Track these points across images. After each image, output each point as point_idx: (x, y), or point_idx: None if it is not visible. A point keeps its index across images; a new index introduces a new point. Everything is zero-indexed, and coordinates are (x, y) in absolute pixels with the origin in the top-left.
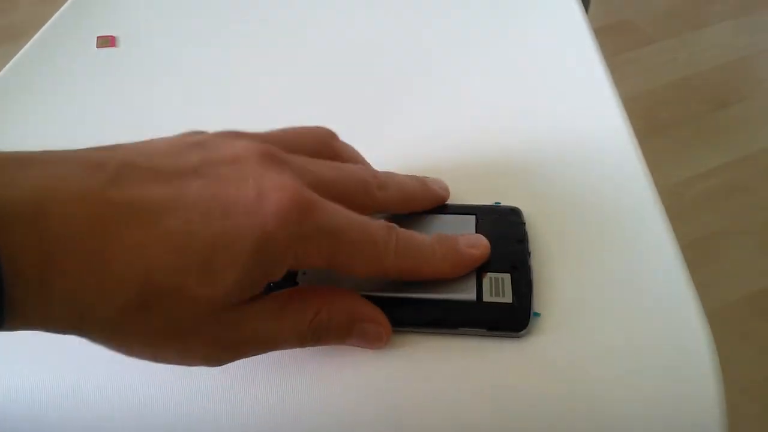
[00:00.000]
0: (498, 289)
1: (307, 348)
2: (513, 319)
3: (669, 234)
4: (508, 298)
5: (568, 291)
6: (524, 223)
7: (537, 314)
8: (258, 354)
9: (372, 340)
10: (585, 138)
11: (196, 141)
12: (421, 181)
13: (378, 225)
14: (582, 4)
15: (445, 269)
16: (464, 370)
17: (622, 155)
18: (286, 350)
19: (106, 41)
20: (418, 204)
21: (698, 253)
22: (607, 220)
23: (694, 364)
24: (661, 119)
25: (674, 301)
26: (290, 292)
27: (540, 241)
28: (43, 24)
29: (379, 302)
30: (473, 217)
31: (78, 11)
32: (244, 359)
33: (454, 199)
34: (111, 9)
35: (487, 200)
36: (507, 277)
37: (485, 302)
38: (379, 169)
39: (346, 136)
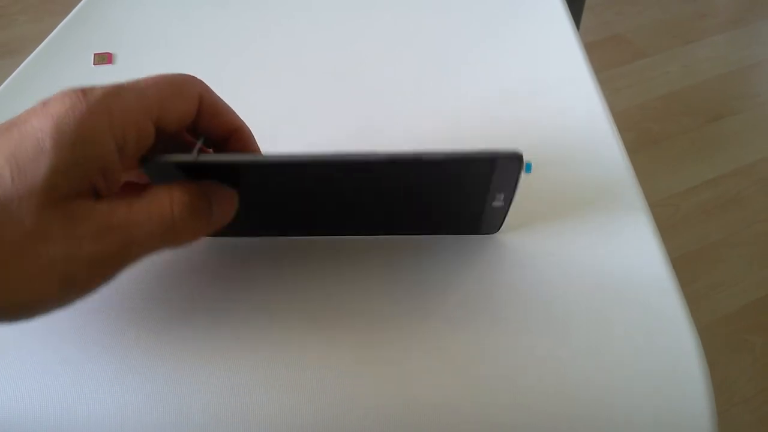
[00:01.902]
0: None
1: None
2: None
3: (658, 241)
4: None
5: (557, 302)
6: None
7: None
8: (128, 260)
9: (228, 202)
10: (574, 149)
11: None
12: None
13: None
14: (572, 18)
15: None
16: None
17: (612, 165)
18: None
19: (103, 58)
20: None
21: (692, 266)
22: (596, 230)
23: (684, 377)
24: (654, 133)
25: (665, 314)
26: (143, 185)
27: (530, 248)
28: (41, 40)
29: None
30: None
31: (75, 28)
32: None
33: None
34: (108, 26)
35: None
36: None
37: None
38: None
39: (345, 128)
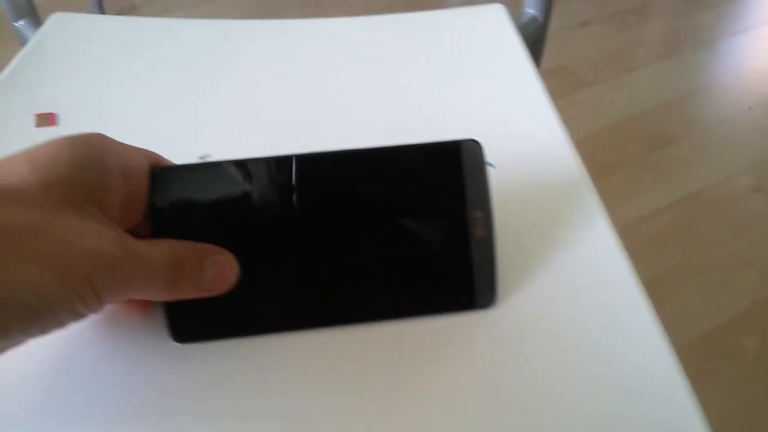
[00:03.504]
0: None
1: None
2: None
3: (630, 270)
4: None
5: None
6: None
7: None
8: (119, 282)
9: (225, 269)
10: (540, 181)
11: None
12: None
13: None
14: (532, 56)
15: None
16: None
17: (579, 195)
18: None
19: (46, 119)
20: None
21: (652, 295)
22: (570, 261)
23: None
24: (602, 162)
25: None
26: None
27: (508, 273)
28: None
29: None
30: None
31: (11, 86)
32: None
33: None
34: (48, 82)
35: None
36: None
37: None
38: None
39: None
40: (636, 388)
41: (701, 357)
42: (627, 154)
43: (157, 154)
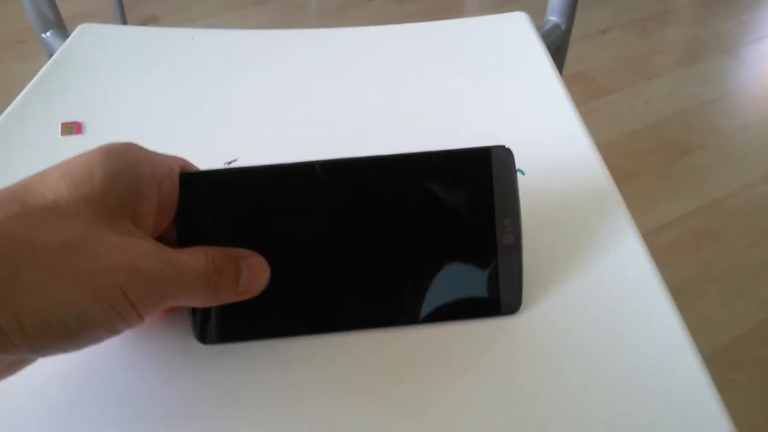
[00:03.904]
0: None
1: None
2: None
3: (658, 277)
4: None
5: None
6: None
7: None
8: (159, 293)
9: (259, 272)
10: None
11: None
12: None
13: None
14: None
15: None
16: None
17: (605, 202)
18: None
19: (72, 128)
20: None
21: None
22: (597, 268)
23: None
24: (622, 169)
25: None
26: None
27: (534, 280)
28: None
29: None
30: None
31: (38, 96)
32: None
33: None
34: (75, 92)
35: None
36: None
37: None
38: None
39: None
40: (662, 394)
41: (722, 367)
42: (647, 162)
43: (186, 161)
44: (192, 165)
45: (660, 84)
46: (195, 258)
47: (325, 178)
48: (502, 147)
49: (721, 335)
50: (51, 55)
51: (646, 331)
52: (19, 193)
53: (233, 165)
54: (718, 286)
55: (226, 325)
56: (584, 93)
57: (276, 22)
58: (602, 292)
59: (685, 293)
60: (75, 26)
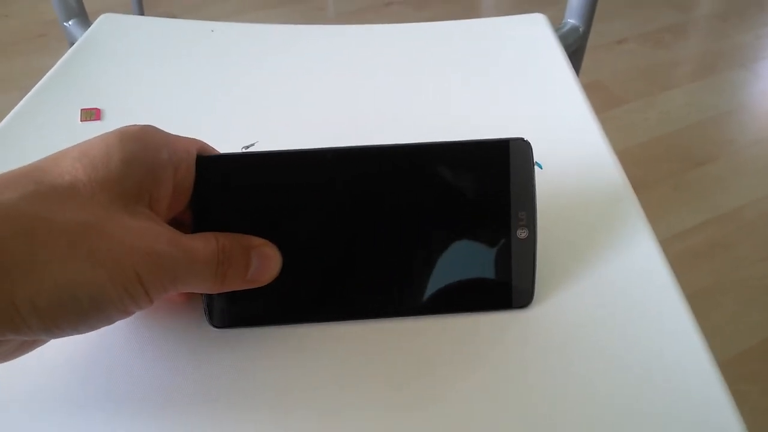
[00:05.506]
0: None
1: None
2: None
3: (672, 277)
4: None
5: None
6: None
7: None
8: (167, 278)
9: (270, 261)
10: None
11: None
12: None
13: None
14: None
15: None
16: None
17: (621, 202)
18: None
19: (91, 114)
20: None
21: None
22: (610, 267)
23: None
24: (637, 178)
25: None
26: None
27: (547, 275)
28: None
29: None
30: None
31: (59, 82)
32: None
33: None
34: (95, 79)
35: None
36: None
37: None
38: None
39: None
40: (675, 395)
41: (733, 378)
42: (661, 172)
43: (204, 143)
44: (210, 147)
45: (675, 95)
46: (206, 245)
47: (344, 165)
48: (521, 139)
49: (732, 346)
50: (72, 44)
51: (659, 331)
52: (35, 173)
53: (252, 149)
54: (730, 297)
55: (238, 309)
56: (599, 102)
57: (292, 22)
58: (615, 291)
59: (697, 303)
60: (95, 19)
